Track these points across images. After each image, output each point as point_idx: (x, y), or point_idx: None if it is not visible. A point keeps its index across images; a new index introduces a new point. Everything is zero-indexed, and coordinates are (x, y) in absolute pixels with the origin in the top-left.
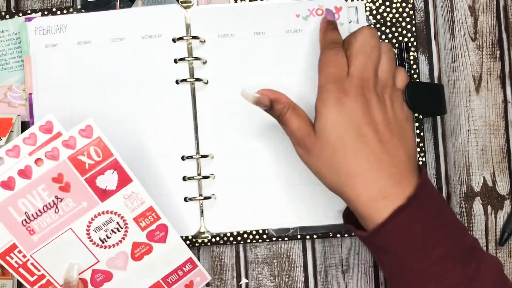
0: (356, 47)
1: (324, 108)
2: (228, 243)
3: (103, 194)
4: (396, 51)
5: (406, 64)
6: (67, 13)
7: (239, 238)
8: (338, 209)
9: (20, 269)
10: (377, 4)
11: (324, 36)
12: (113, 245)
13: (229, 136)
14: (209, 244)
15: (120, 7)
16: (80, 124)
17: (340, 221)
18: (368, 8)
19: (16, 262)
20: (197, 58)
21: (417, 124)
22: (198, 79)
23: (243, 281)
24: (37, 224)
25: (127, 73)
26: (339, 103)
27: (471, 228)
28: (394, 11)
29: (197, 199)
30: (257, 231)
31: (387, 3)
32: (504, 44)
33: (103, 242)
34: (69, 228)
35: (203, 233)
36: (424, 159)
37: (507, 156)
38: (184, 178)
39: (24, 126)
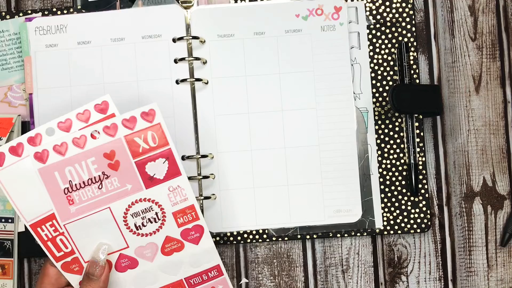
0: None
1: None
2: (228, 243)
3: (149, 181)
4: (396, 51)
5: (406, 64)
6: (67, 13)
7: (239, 238)
8: (337, 209)
9: (49, 243)
10: (377, 4)
11: None
12: (146, 234)
13: (229, 136)
14: None
15: (120, 7)
16: (144, 106)
17: (340, 221)
18: (368, 8)
19: (46, 235)
20: (197, 58)
21: (417, 124)
22: (198, 79)
23: (243, 280)
24: (78, 196)
25: (127, 73)
26: None
27: (471, 228)
28: (394, 11)
29: (197, 199)
30: (257, 231)
31: (387, 3)
32: (504, 44)
33: (137, 229)
34: (107, 207)
35: None
36: (424, 159)
37: (507, 156)
38: None
39: (25, 126)
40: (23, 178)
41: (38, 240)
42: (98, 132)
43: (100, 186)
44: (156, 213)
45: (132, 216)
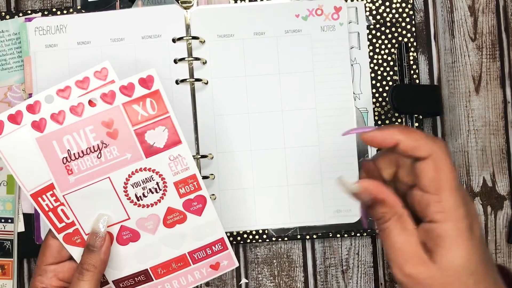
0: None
1: (459, 239)
2: None
3: (149, 150)
4: (396, 51)
5: (406, 64)
6: (67, 13)
7: (238, 238)
8: (337, 209)
9: (50, 213)
10: (377, 4)
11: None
12: (148, 205)
13: (229, 136)
14: None
15: (120, 8)
16: (142, 72)
17: (340, 221)
18: (368, 8)
19: (47, 205)
20: (196, 58)
21: (417, 124)
22: (198, 79)
23: (243, 281)
24: (76, 165)
25: (127, 73)
26: (472, 233)
27: None
28: (394, 11)
29: None
30: (257, 231)
31: (387, 3)
32: (503, 44)
33: (138, 200)
34: (107, 177)
35: None
36: None
37: (506, 156)
38: None
39: None
40: (23, 147)
41: (40, 210)
42: (96, 100)
43: (99, 155)
44: (157, 183)
45: (133, 186)
